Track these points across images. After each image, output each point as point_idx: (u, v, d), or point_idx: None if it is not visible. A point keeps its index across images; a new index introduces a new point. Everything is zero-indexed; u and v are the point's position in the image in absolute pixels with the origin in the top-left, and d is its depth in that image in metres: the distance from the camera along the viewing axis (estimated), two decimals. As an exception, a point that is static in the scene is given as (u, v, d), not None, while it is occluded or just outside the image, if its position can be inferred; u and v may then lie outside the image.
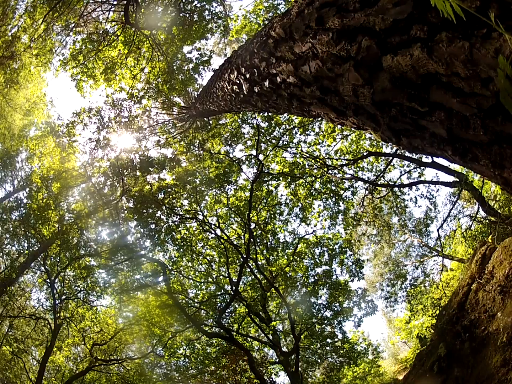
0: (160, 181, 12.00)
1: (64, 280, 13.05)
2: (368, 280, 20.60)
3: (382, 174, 12.40)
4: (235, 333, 12.34)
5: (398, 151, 10.38)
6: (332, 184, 12.27)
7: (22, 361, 13.26)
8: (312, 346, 13.94)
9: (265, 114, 10.36)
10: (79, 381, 13.63)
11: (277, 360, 12.35)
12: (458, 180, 9.30)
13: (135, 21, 9.30)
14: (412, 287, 14.73)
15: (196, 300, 13.51)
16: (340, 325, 13.54)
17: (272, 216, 12.89)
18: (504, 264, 5.15)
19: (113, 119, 10.98)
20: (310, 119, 8.95)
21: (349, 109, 1.51)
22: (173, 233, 12.16)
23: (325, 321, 13.32)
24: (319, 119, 4.39)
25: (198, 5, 10.15)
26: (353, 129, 2.04)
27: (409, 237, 16.68)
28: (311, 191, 12.28)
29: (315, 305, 13.16)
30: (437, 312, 9.67)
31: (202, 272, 13.66)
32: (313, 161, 11.89)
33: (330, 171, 11.85)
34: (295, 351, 11.26)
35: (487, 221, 10.01)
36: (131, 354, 15.79)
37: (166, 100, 10.86)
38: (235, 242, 12.65)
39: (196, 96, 9.36)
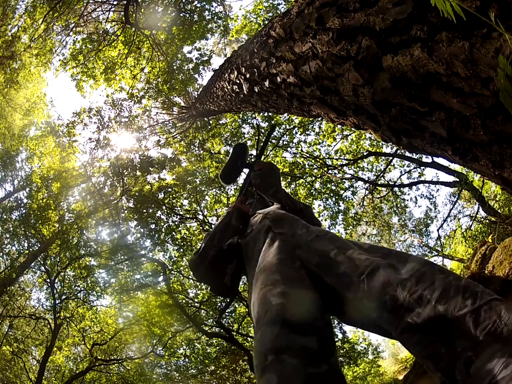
0: (160, 181, 12.01)
1: (64, 280, 13.04)
2: (368, 280, 20.57)
3: (382, 174, 12.40)
4: (235, 333, 12.33)
5: (398, 151, 10.38)
6: (332, 184, 12.27)
7: (22, 361, 13.25)
8: (312, 346, 13.90)
9: (265, 114, 10.36)
10: (79, 381, 13.63)
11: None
12: (458, 180, 9.30)
13: (135, 21, 9.29)
14: (412, 287, 14.68)
15: (196, 300, 13.51)
16: (340, 325, 13.54)
17: (272, 216, 12.88)
18: (504, 264, 5.15)
19: (113, 119, 10.98)
20: (310, 119, 8.95)
21: (349, 109, 1.51)
22: (173, 233, 12.15)
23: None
24: (319, 119, 4.39)
25: (198, 5, 10.15)
26: (353, 129, 2.04)
27: (409, 237, 16.67)
28: (311, 191, 12.27)
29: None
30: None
31: (202, 272, 13.64)
32: (313, 161, 11.88)
33: (330, 171, 11.84)
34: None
35: (487, 221, 10.00)
36: (131, 354, 15.78)
37: (166, 100, 10.86)
38: (235, 242, 12.63)
39: (196, 96, 9.36)
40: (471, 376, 0.81)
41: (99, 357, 13.40)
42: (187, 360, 14.26)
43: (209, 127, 11.08)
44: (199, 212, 12.53)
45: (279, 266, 1.20)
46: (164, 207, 11.66)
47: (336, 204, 12.61)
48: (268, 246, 1.37)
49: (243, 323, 13.48)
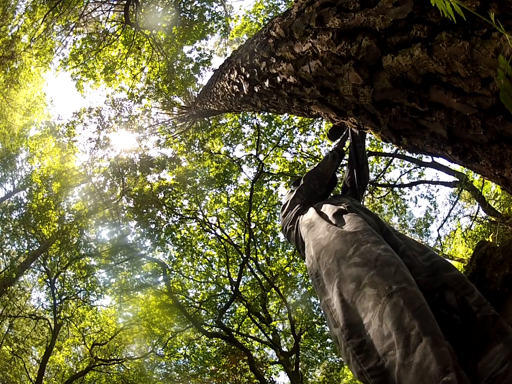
0: (160, 181, 12.00)
1: (64, 280, 13.04)
2: (368, 280, 20.56)
3: (382, 174, 12.39)
4: (235, 333, 12.33)
5: (398, 151, 10.37)
6: (332, 184, 12.23)
7: (22, 361, 13.26)
8: (312, 346, 13.93)
9: (265, 114, 10.35)
10: (79, 381, 13.63)
11: (277, 360, 12.34)
12: (458, 180, 9.29)
13: (135, 21, 9.29)
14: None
15: (196, 300, 13.51)
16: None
17: (272, 216, 12.88)
18: (504, 264, 5.14)
19: (113, 119, 10.98)
20: (310, 119, 8.95)
21: (349, 109, 1.51)
22: (173, 233, 12.16)
23: (325, 321, 13.29)
24: (319, 119, 4.38)
25: (199, 5, 10.15)
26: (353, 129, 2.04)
27: (409, 237, 16.66)
28: (311, 191, 12.23)
29: (315, 305, 13.15)
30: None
31: (202, 272, 13.65)
32: (313, 161, 11.88)
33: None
34: (295, 351, 11.26)
35: (487, 221, 10.00)
36: (131, 354, 15.79)
37: (166, 100, 10.85)
38: (235, 242, 12.64)
39: (196, 96, 9.35)
40: (477, 370, 1.05)
41: (99, 357, 13.41)
42: (187, 360, 14.27)
43: (209, 127, 11.07)
44: (199, 212, 12.54)
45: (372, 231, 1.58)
46: (164, 207, 11.66)
47: (336, 204, 12.58)
48: (354, 217, 1.72)
49: (243, 323, 13.48)
